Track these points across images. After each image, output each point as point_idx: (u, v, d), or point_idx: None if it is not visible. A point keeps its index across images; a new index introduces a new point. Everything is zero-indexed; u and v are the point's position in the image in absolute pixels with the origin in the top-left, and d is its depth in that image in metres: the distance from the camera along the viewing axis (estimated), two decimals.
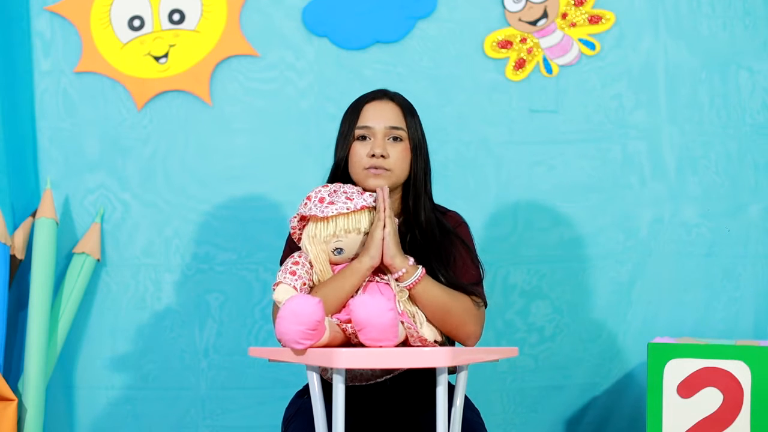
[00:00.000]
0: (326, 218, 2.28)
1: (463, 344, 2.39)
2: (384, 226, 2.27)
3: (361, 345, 2.16)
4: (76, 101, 3.28)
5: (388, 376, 2.38)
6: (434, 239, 2.42)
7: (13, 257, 3.17)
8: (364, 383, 2.39)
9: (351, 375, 2.38)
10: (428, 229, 2.44)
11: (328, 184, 2.35)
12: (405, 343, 2.23)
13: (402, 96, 2.50)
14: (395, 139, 2.43)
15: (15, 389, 3.12)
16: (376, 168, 2.40)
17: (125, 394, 3.27)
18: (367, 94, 2.50)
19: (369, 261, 2.27)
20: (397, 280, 2.29)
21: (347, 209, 2.27)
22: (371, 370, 2.38)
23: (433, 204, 2.50)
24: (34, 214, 3.21)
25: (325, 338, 2.14)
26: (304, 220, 2.33)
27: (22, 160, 3.24)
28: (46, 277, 3.13)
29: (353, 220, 2.30)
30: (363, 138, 2.43)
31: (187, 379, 3.27)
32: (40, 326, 3.11)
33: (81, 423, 3.27)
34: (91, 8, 3.27)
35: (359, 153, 2.42)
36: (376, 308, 2.08)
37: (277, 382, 3.23)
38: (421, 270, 2.31)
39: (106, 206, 3.28)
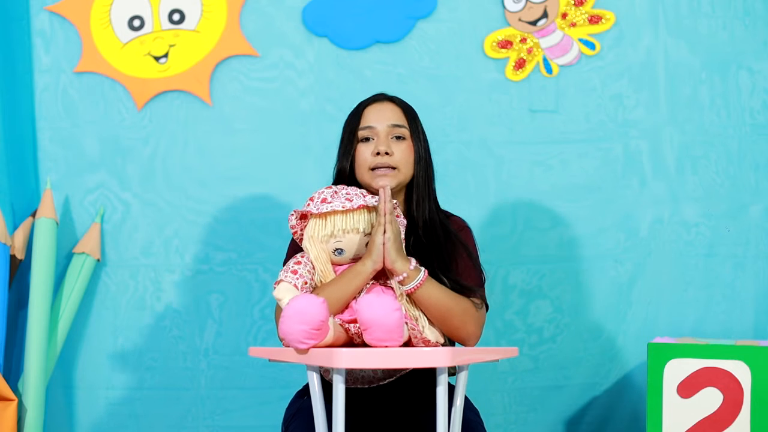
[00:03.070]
0: (323, 216, 2.28)
1: (463, 345, 2.39)
2: (384, 231, 2.26)
3: (364, 345, 2.16)
4: (76, 101, 3.28)
5: (390, 379, 2.38)
6: (437, 242, 2.43)
7: (13, 257, 3.17)
8: (366, 386, 2.39)
9: (352, 377, 2.38)
10: (432, 231, 2.44)
11: (332, 186, 2.36)
12: (407, 344, 2.23)
13: (402, 99, 2.52)
14: (398, 138, 2.45)
15: (15, 389, 3.12)
16: (382, 167, 2.41)
17: (125, 394, 3.27)
18: (366, 98, 2.52)
19: (371, 265, 2.27)
20: (399, 283, 2.29)
21: (342, 207, 2.27)
22: (373, 373, 2.38)
23: (438, 207, 2.51)
24: (34, 214, 3.21)
25: (329, 338, 2.14)
26: (305, 219, 2.33)
27: (22, 160, 3.24)
28: (46, 277, 3.13)
29: (351, 219, 2.29)
30: (366, 140, 2.45)
31: (187, 379, 3.27)
32: (40, 326, 3.11)
33: (81, 423, 3.27)
34: (91, 8, 3.27)
35: (364, 154, 2.44)
36: (382, 308, 2.08)
37: (277, 382, 3.23)
38: (423, 273, 2.30)
39: (106, 206, 3.28)
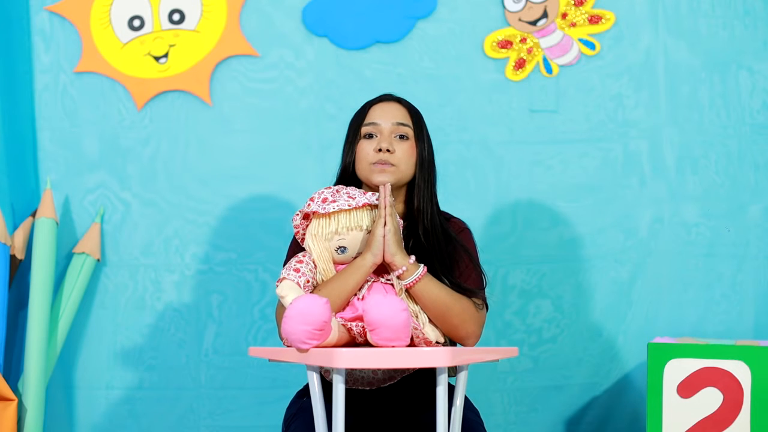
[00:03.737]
0: (328, 215, 2.29)
1: (462, 344, 2.39)
2: (384, 223, 2.27)
3: (367, 345, 2.16)
4: (76, 101, 3.29)
5: (391, 382, 2.38)
6: (438, 244, 2.43)
7: (13, 257, 3.17)
8: (367, 388, 2.39)
9: (353, 378, 2.38)
10: (432, 234, 2.44)
11: (332, 186, 2.36)
12: (409, 344, 2.23)
13: (409, 102, 2.53)
14: (402, 137, 2.46)
15: (15, 389, 3.12)
16: (382, 163, 2.41)
17: (125, 394, 3.27)
18: (373, 98, 2.53)
19: (371, 258, 2.28)
20: (398, 277, 2.30)
21: (348, 206, 2.28)
22: (373, 374, 2.38)
23: (439, 210, 2.51)
24: (34, 214, 3.21)
25: (332, 338, 2.14)
26: (307, 218, 2.33)
27: (22, 160, 3.24)
28: (46, 277, 3.13)
29: (355, 217, 2.30)
30: (370, 136, 2.46)
31: (187, 379, 3.27)
32: (40, 326, 3.11)
33: (81, 423, 3.27)
34: (91, 8, 3.27)
35: (366, 149, 2.45)
36: (390, 308, 2.08)
37: (277, 382, 3.23)
38: (422, 268, 2.31)
39: (106, 206, 3.28)
